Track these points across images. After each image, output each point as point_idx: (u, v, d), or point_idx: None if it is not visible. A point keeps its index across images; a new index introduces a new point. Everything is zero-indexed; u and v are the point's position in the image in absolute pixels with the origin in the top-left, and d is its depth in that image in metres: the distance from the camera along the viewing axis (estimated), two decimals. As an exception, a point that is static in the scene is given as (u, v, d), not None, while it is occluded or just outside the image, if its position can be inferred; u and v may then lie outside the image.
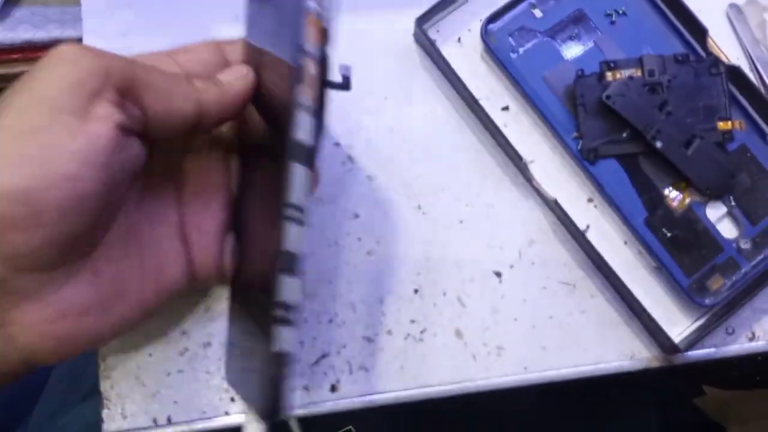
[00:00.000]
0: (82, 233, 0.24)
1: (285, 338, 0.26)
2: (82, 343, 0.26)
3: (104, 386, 0.35)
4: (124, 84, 0.25)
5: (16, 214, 0.22)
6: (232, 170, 0.32)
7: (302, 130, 0.26)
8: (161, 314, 0.33)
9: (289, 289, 0.26)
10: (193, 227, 0.31)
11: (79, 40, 0.58)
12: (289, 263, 0.26)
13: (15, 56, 0.60)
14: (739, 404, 0.86)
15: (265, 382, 0.27)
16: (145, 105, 0.26)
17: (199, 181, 0.32)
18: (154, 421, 0.35)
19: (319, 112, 0.27)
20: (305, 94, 0.26)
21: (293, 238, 0.26)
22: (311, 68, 0.26)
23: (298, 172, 0.26)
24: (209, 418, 0.35)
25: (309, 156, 0.26)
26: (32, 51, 0.58)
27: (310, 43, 0.26)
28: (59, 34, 0.56)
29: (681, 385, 0.82)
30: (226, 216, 0.32)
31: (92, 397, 0.52)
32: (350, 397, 0.36)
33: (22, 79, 0.24)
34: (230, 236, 0.32)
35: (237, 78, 0.29)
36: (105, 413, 0.34)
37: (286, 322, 0.26)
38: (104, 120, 0.24)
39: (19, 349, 0.25)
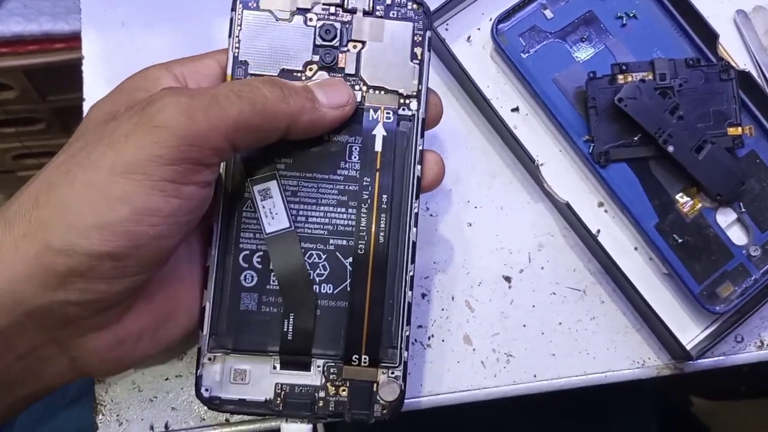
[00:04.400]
0: (154, 274, 0.26)
1: None
2: (133, 364, 0.28)
3: (98, 391, 0.33)
4: (225, 145, 0.25)
5: (103, 268, 0.23)
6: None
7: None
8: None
9: None
10: None
11: (73, 33, 0.57)
12: None
13: (4, 50, 0.58)
14: (724, 415, 0.86)
15: None
16: (240, 145, 0.26)
17: None
18: (151, 427, 0.33)
19: None
20: None
21: None
22: None
23: None
24: (209, 426, 0.33)
25: None
26: (22, 45, 0.56)
27: None
28: (51, 28, 0.54)
29: (674, 394, 0.82)
30: None
31: (78, 403, 0.51)
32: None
33: (118, 134, 0.24)
34: None
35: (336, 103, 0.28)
36: (99, 419, 0.33)
37: None
38: (197, 183, 0.25)
39: (78, 369, 0.26)
